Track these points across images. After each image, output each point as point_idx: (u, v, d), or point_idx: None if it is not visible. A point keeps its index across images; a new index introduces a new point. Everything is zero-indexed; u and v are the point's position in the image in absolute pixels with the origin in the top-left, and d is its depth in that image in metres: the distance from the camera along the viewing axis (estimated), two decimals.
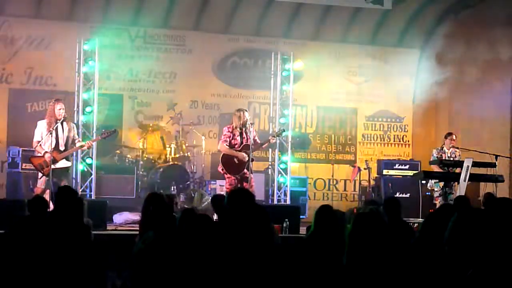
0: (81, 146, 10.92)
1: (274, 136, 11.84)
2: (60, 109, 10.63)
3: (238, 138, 11.11)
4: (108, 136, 11.27)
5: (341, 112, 15.68)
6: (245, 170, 11.01)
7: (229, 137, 11.12)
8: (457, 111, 14.10)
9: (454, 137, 12.69)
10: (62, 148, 10.64)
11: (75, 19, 14.06)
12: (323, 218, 5.43)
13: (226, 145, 11.10)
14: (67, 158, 10.72)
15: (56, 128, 10.58)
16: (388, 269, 3.72)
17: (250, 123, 11.17)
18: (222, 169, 11.18)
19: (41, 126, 10.66)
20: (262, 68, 14.96)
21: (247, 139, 11.08)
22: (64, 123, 10.67)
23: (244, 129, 11.10)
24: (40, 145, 10.56)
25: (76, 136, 10.89)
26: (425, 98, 15.14)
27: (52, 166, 10.39)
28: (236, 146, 11.10)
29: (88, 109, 12.29)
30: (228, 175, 11.12)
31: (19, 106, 13.83)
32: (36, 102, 13.97)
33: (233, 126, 11.14)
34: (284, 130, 12.34)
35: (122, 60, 14.40)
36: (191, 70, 14.70)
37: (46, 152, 10.46)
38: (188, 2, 14.60)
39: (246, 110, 11.40)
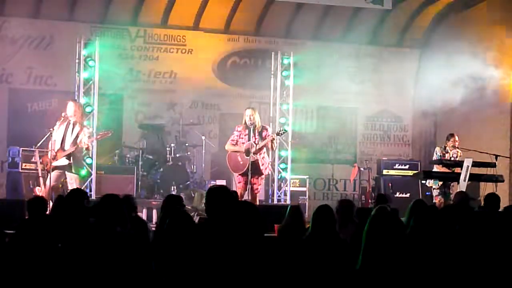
0: (75, 148, 10.87)
1: (274, 135, 11.77)
2: (70, 108, 10.82)
3: (246, 137, 11.14)
4: (102, 137, 11.31)
5: (341, 112, 15.68)
6: (249, 170, 10.99)
7: (238, 136, 11.19)
8: (457, 111, 14.09)
9: (456, 138, 12.66)
10: (67, 147, 10.72)
11: (75, 19, 14.07)
12: (321, 218, 5.44)
13: (231, 144, 11.21)
14: (67, 157, 10.74)
15: (66, 128, 10.68)
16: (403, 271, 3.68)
17: (251, 123, 11.13)
18: (229, 168, 11.34)
19: (56, 125, 10.85)
20: (262, 68, 14.96)
21: (255, 138, 11.07)
22: (76, 125, 10.74)
23: (252, 128, 11.09)
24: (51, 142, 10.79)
25: (84, 141, 10.79)
26: (425, 98, 15.14)
27: (54, 164, 10.53)
28: (243, 145, 11.17)
29: (88, 109, 12.29)
30: (236, 174, 11.24)
31: (19, 106, 13.84)
32: (36, 102, 13.98)
33: (243, 125, 11.20)
34: (285, 130, 12.32)
35: (122, 60, 14.42)
36: (191, 70, 14.71)
37: (51, 149, 10.63)
38: (188, 2, 14.60)
39: (250, 109, 11.41)
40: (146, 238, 6.02)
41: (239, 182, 11.21)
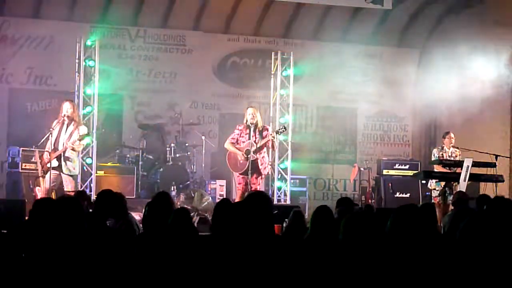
0: (64, 149, 10.82)
1: (273, 133, 11.77)
2: (65, 108, 10.77)
3: (246, 136, 11.15)
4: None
5: (341, 112, 15.67)
6: (249, 169, 11.00)
7: (238, 134, 11.20)
8: (457, 111, 14.09)
9: (452, 135, 12.70)
10: (60, 148, 10.69)
11: (75, 19, 14.07)
12: (320, 219, 5.44)
13: (231, 143, 11.22)
14: (57, 158, 10.71)
15: (61, 128, 10.67)
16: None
17: (251, 122, 11.14)
18: (229, 167, 11.36)
19: (52, 125, 10.83)
20: (262, 68, 14.97)
21: (255, 137, 11.07)
22: (71, 125, 10.71)
23: (253, 127, 11.10)
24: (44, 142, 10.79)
25: (77, 141, 10.75)
26: (425, 98, 15.14)
27: (48, 165, 10.58)
28: (244, 144, 11.17)
29: (88, 109, 12.29)
30: (236, 173, 11.26)
31: (19, 106, 13.84)
32: (36, 102, 13.98)
33: (244, 125, 11.20)
34: (285, 128, 12.31)
35: (122, 60, 14.42)
36: (191, 70, 14.71)
37: (46, 150, 10.64)
38: (188, 2, 14.60)
39: (251, 107, 11.42)
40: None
41: (239, 183, 11.22)
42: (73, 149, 10.76)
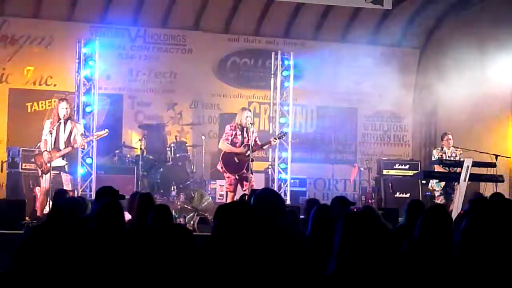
0: (71, 149, 10.85)
1: (275, 138, 11.84)
2: (63, 108, 10.74)
3: (240, 137, 11.16)
4: (99, 137, 11.37)
5: (341, 112, 15.67)
6: (244, 170, 11.02)
7: (231, 135, 11.18)
8: (457, 111, 14.09)
9: (450, 136, 12.73)
10: (62, 147, 10.70)
11: (75, 19, 14.07)
12: (320, 218, 5.45)
13: (227, 143, 11.18)
14: (63, 157, 10.73)
15: (58, 128, 10.66)
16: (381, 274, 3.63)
17: (250, 123, 11.19)
18: (222, 168, 11.27)
19: (46, 126, 10.82)
20: (262, 68, 14.98)
21: (248, 139, 11.11)
22: (68, 123, 10.73)
23: (245, 128, 11.14)
24: (42, 143, 10.74)
25: (78, 137, 10.81)
26: (425, 98, 15.14)
27: (48, 165, 10.53)
28: (237, 144, 11.16)
29: (88, 109, 12.29)
30: (228, 175, 11.20)
31: (19, 106, 13.84)
32: (36, 102, 13.98)
33: (235, 125, 11.19)
34: (285, 134, 12.37)
35: (122, 60, 14.42)
36: (191, 70, 14.70)
37: (45, 150, 10.58)
38: (188, 2, 14.61)
39: (249, 110, 11.47)
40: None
41: (230, 184, 11.20)
42: (83, 148, 10.94)
